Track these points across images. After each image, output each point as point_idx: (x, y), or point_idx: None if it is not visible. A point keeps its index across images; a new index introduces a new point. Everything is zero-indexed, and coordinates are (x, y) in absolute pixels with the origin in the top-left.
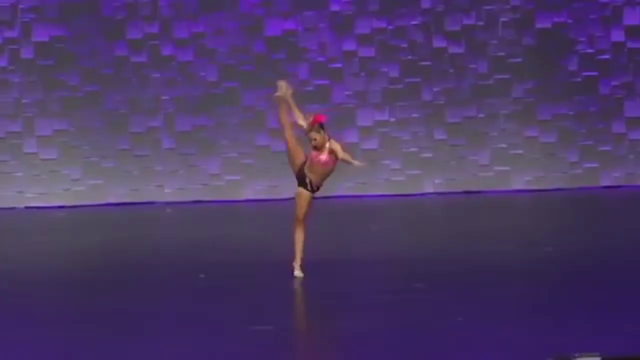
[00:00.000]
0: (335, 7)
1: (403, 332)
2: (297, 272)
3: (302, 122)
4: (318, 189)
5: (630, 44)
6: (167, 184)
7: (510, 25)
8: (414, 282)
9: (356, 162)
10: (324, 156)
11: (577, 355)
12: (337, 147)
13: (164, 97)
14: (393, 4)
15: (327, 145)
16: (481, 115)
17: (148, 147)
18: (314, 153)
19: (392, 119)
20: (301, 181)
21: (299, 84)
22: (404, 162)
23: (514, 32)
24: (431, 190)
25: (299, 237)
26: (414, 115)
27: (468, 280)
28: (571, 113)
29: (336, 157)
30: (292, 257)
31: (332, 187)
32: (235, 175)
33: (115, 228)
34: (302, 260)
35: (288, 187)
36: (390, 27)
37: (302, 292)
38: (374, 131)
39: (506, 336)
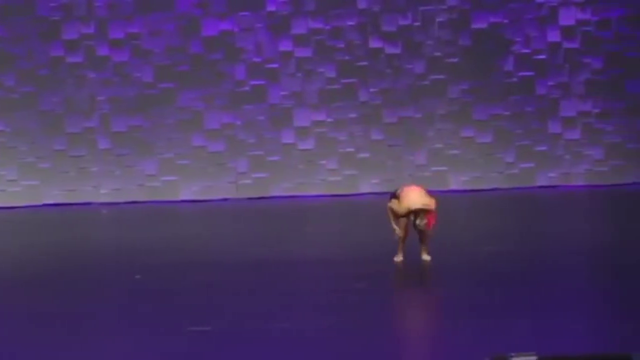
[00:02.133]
0: (271, 8)
1: (345, 333)
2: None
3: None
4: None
5: (566, 44)
6: (103, 185)
7: (447, 26)
8: (355, 283)
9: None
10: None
11: (513, 354)
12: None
13: (99, 98)
14: (329, 5)
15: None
16: (418, 115)
17: (84, 147)
18: None
19: (328, 119)
20: None
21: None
22: (340, 162)
23: (450, 33)
24: (368, 191)
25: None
26: (351, 115)
27: (407, 280)
28: (507, 113)
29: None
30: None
31: (269, 188)
32: (171, 175)
33: (52, 229)
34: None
35: (224, 188)
36: (326, 28)
37: (242, 292)
38: (310, 131)
39: (444, 335)
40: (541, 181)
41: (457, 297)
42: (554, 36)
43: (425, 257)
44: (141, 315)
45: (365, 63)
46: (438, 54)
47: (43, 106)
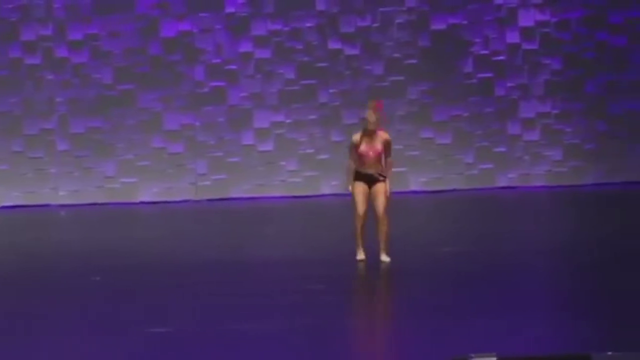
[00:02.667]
0: (230, 9)
1: (305, 333)
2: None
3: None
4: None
5: (525, 45)
6: (61, 187)
7: (405, 27)
8: (315, 284)
9: None
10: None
11: (473, 355)
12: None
13: (58, 99)
14: (288, 6)
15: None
16: None
17: (42, 149)
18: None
19: (288, 121)
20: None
21: None
22: (300, 163)
23: (409, 34)
24: (328, 192)
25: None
26: (310, 117)
27: (366, 281)
28: (466, 114)
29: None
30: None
31: (229, 189)
32: (130, 177)
33: (10, 231)
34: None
35: (183, 190)
36: (286, 29)
37: (202, 294)
38: (270, 133)
39: (404, 337)
40: (501, 182)
41: (417, 298)
42: (513, 37)
43: (384, 257)
44: (100, 316)
45: (324, 64)
46: (397, 55)
47: (1, 108)
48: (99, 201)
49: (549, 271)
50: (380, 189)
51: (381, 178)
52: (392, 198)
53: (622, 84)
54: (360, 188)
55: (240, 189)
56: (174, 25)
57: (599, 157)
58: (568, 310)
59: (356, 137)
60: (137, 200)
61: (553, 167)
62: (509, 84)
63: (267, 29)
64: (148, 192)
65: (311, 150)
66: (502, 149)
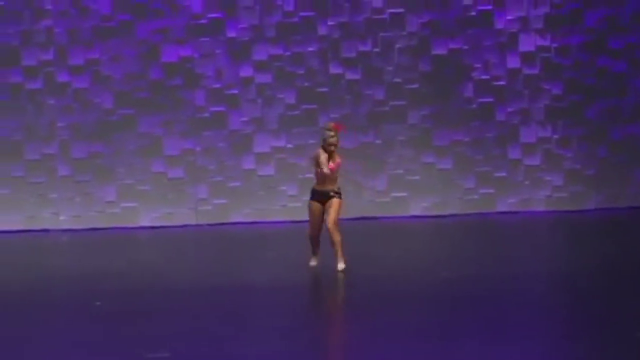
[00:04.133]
0: (231, 34)
1: (302, 358)
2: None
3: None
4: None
5: (525, 70)
6: (62, 212)
7: (406, 52)
8: (313, 309)
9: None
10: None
11: None
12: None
13: (59, 124)
14: (289, 31)
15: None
16: (378, 141)
17: (43, 174)
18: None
19: (289, 145)
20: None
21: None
22: (301, 188)
23: (410, 59)
24: None
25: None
26: (311, 141)
27: (366, 306)
28: (467, 139)
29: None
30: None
31: (229, 214)
32: (131, 202)
33: (10, 256)
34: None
35: (184, 215)
36: (287, 54)
37: (200, 318)
38: (270, 157)
39: None
40: (501, 207)
41: (412, 322)
42: (513, 62)
43: (341, 265)
44: (100, 341)
45: (325, 89)
46: (398, 80)
47: (2, 133)
48: (100, 226)
49: (549, 297)
50: (334, 204)
51: (336, 196)
52: (391, 222)
53: (623, 109)
54: (315, 208)
55: (241, 214)
56: (174, 50)
57: (600, 183)
58: (568, 338)
59: (318, 152)
60: (138, 225)
61: (554, 192)
62: (509, 109)
63: (268, 53)
64: (148, 217)
65: (311, 175)
66: (503, 174)
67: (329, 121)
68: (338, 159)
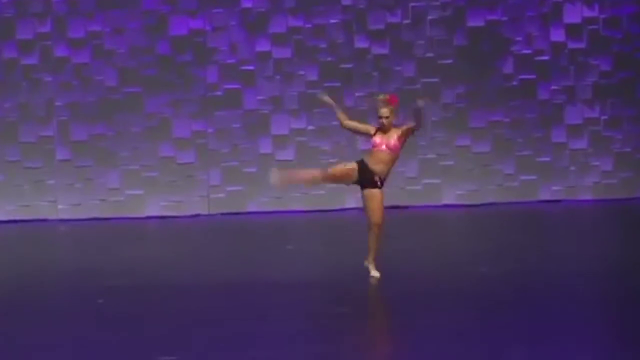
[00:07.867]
0: (247, 4)
1: None
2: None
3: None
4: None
5: (571, 44)
6: (61, 200)
7: (440, 24)
8: (336, 307)
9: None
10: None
11: None
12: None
13: (57, 103)
14: (310, 1)
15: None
16: None
17: (40, 158)
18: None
19: (310, 127)
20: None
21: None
22: None
23: (444, 32)
24: (353, 205)
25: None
26: (334, 122)
27: (391, 304)
28: (506, 120)
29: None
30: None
31: (245, 203)
32: (136, 189)
33: (4, 248)
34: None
35: (194, 203)
36: (307, 26)
37: (212, 318)
38: (290, 140)
39: None
40: (544, 195)
41: (447, 323)
42: (557, 35)
43: (374, 273)
44: (103, 343)
45: (350, 65)
46: (430, 55)
47: None
48: (102, 215)
49: (596, 296)
50: (376, 198)
51: (379, 184)
52: (423, 212)
53: None
54: (351, 172)
55: (257, 203)
56: (184, 22)
57: None
58: (613, 338)
59: (373, 126)
60: (144, 215)
61: (602, 179)
62: (553, 87)
63: (287, 25)
64: (155, 206)
65: (335, 160)
66: (546, 159)
67: (383, 92)
68: (393, 140)
